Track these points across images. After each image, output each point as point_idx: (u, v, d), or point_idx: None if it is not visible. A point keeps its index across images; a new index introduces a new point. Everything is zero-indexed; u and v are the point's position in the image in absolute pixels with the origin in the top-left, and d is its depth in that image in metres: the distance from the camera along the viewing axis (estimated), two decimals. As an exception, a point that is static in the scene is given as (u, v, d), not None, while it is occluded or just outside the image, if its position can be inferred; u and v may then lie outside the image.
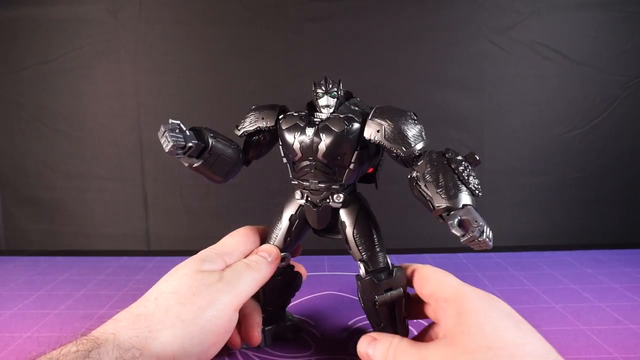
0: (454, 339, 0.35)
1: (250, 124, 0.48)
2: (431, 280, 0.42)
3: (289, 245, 0.50)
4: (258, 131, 0.48)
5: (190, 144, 0.43)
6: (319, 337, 0.54)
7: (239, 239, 0.48)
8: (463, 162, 0.40)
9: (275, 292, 0.51)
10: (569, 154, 0.91)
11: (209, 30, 0.88)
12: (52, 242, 0.94)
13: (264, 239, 0.50)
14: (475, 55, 0.88)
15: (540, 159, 0.91)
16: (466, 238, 0.36)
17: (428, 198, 0.40)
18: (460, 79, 0.89)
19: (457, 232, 0.37)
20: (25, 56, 0.89)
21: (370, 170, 0.50)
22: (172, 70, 0.90)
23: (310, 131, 0.43)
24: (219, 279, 0.41)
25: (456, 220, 0.37)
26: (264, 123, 0.47)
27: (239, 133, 0.49)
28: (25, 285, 0.71)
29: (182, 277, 0.41)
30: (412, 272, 0.44)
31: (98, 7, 0.87)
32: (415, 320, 0.58)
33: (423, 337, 0.44)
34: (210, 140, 0.45)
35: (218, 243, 0.48)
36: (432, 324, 0.44)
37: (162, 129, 0.42)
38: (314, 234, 0.51)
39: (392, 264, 0.46)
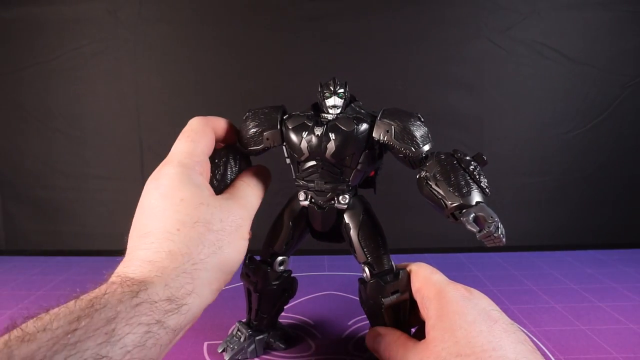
0: (429, 342, 0.36)
1: (255, 144, 0.46)
2: (419, 277, 0.43)
3: (289, 248, 0.49)
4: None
5: None
6: (319, 337, 0.54)
7: (202, 140, 0.44)
8: (472, 162, 0.41)
9: (271, 299, 0.50)
10: (569, 154, 0.91)
11: (208, 29, 0.88)
12: (52, 242, 0.94)
13: (228, 130, 0.47)
14: (476, 55, 0.88)
15: (540, 158, 0.91)
16: (482, 234, 0.37)
17: (440, 197, 0.40)
18: (460, 78, 0.89)
19: (473, 228, 0.37)
20: (25, 56, 0.89)
21: (372, 173, 0.50)
22: (171, 70, 0.90)
23: (318, 130, 0.43)
24: (235, 203, 0.41)
25: (471, 216, 0.37)
26: (270, 143, 0.45)
27: (246, 151, 0.47)
28: (25, 285, 0.71)
29: (197, 206, 0.38)
30: (408, 270, 0.45)
31: (98, 7, 0.87)
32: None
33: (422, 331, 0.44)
34: None
35: (187, 149, 0.42)
36: None
37: None
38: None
39: (395, 266, 0.45)
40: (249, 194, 0.43)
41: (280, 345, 0.52)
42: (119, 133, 0.91)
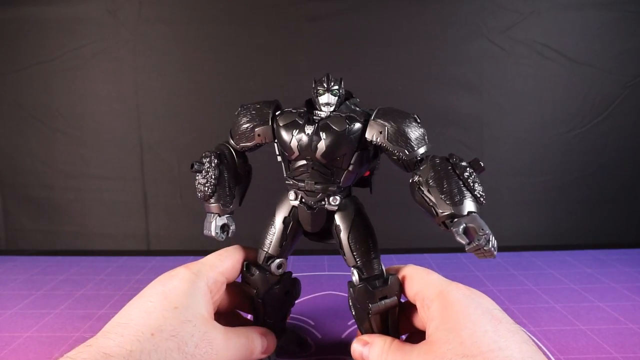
0: (433, 344, 0.35)
1: (247, 140, 0.46)
2: (415, 279, 0.42)
3: (285, 249, 0.47)
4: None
5: (232, 229, 0.48)
6: (319, 337, 0.54)
7: (228, 261, 0.47)
8: (467, 168, 0.39)
9: (274, 303, 0.48)
10: (569, 154, 0.91)
11: (208, 29, 0.88)
12: (52, 242, 0.94)
13: (249, 257, 0.48)
14: (475, 55, 0.88)
15: (540, 158, 0.91)
16: (471, 246, 0.35)
17: (431, 204, 0.39)
18: (460, 78, 0.89)
19: (462, 239, 0.36)
20: (25, 56, 0.89)
21: (367, 173, 0.48)
22: (171, 69, 0.90)
23: (309, 129, 0.41)
24: (222, 340, 0.39)
25: (461, 227, 0.36)
26: (262, 140, 0.45)
27: (238, 147, 0.47)
28: (25, 285, 0.71)
29: (184, 322, 0.38)
30: (401, 275, 0.44)
31: (98, 7, 0.87)
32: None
33: (417, 336, 0.43)
34: (236, 202, 0.48)
35: (210, 262, 0.46)
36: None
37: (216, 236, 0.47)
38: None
39: (385, 270, 0.44)
40: (240, 343, 0.42)
41: (295, 349, 0.51)
42: (119, 133, 0.91)
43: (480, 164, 0.39)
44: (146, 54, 0.89)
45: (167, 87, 0.90)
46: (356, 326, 0.56)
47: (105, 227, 0.94)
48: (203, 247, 0.86)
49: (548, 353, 0.49)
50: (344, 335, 0.54)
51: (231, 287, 0.47)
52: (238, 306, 0.49)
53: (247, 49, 0.88)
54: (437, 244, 0.89)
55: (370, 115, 0.42)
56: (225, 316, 0.48)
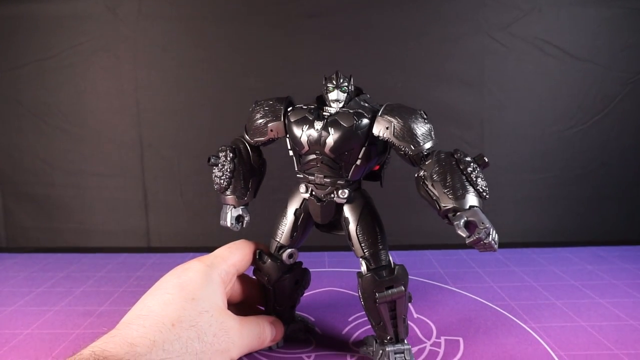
0: None
1: (260, 135, 0.48)
2: None
3: (296, 240, 0.49)
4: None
5: (247, 219, 0.51)
6: (320, 333, 0.54)
7: (238, 253, 0.49)
8: (471, 164, 0.40)
9: (285, 291, 0.50)
10: (570, 151, 0.91)
11: (208, 26, 0.88)
12: (52, 239, 0.94)
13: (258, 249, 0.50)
14: (476, 51, 0.88)
15: (541, 155, 0.91)
16: (472, 239, 0.36)
17: (435, 198, 0.40)
18: (460, 75, 0.88)
19: (462, 233, 0.37)
20: (24, 53, 0.89)
21: (376, 167, 0.50)
22: (171, 66, 0.89)
23: (318, 125, 0.43)
24: (237, 329, 0.42)
25: (462, 221, 0.37)
26: (274, 135, 0.47)
27: (253, 142, 0.49)
28: (26, 282, 0.71)
29: (202, 312, 0.40)
30: None
31: (97, 3, 0.87)
32: (416, 318, 0.58)
33: None
34: (250, 194, 0.50)
35: (222, 255, 0.47)
36: None
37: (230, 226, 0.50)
38: (317, 230, 0.51)
39: (393, 261, 0.46)
40: (254, 331, 0.45)
41: (301, 336, 0.52)
42: (118, 130, 0.91)
43: (485, 159, 0.41)
44: (146, 51, 0.89)
45: (167, 84, 0.90)
46: (357, 322, 0.56)
47: (106, 224, 0.94)
48: (203, 244, 0.86)
49: (549, 349, 0.49)
50: (344, 332, 0.54)
51: (241, 278, 0.50)
52: (247, 297, 0.51)
53: (247, 46, 0.88)
54: (437, 240, 0.89)
55: (378, 111, 0.43)
56: (235, 306, 0.49)
